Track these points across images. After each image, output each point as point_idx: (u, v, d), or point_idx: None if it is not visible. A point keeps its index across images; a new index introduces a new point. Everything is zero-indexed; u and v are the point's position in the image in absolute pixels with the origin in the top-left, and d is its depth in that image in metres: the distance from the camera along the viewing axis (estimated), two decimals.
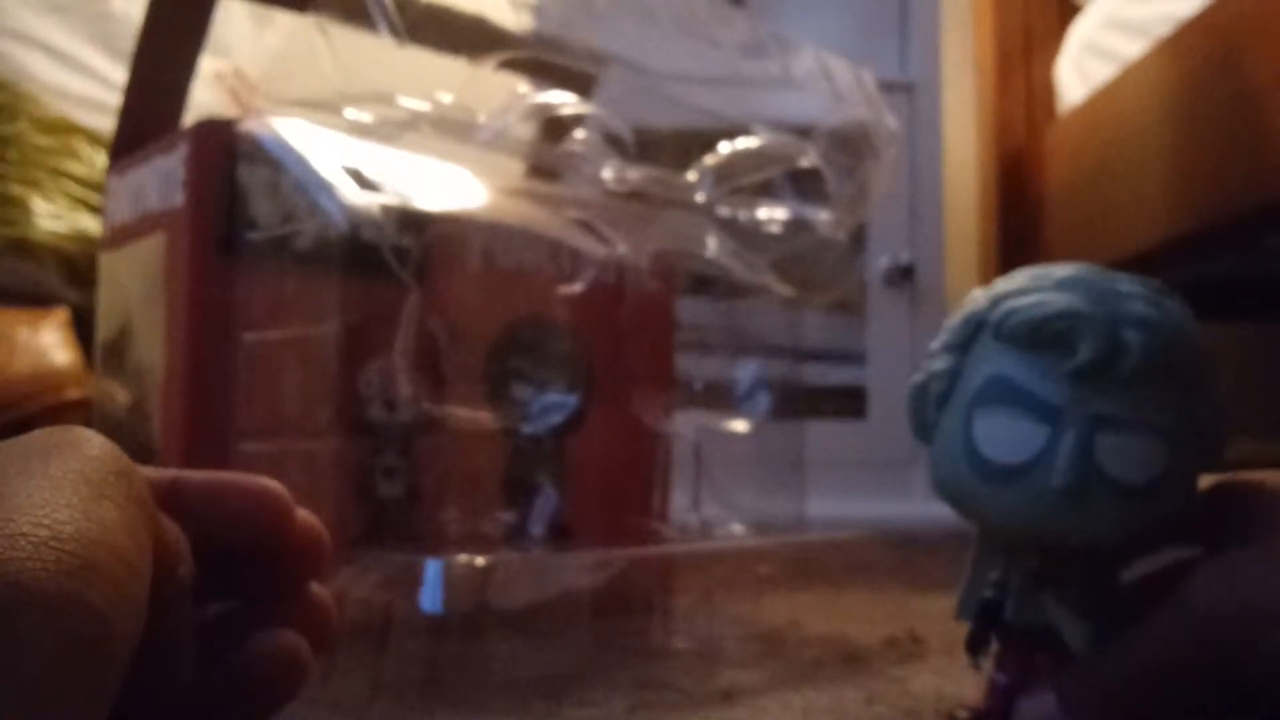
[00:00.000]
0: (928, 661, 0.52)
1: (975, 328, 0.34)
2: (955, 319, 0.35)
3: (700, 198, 0.68)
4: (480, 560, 0.50)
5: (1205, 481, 0.34)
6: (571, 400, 0.61)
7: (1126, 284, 0.33)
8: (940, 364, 0.35)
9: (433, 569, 0.49)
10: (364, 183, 0.52)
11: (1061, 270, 0.34)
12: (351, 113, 0.56)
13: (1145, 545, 0.33)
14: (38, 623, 0.18)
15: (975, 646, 0.36)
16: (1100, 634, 0.32)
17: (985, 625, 0.35)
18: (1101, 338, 0.31)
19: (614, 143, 0.65)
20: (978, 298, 0.35)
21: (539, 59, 0.64)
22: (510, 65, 0.62)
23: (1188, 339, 0.32)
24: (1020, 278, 0.34)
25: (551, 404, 0.60)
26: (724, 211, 0.69)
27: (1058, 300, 0.32)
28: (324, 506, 0.50)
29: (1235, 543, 0.31)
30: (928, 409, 0.35)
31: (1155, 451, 0.31)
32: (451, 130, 0.58)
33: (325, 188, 0.50)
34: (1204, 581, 0.30)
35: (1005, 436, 0.32)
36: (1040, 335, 0.32)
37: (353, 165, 0.52)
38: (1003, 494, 0.32)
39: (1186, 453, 0.31)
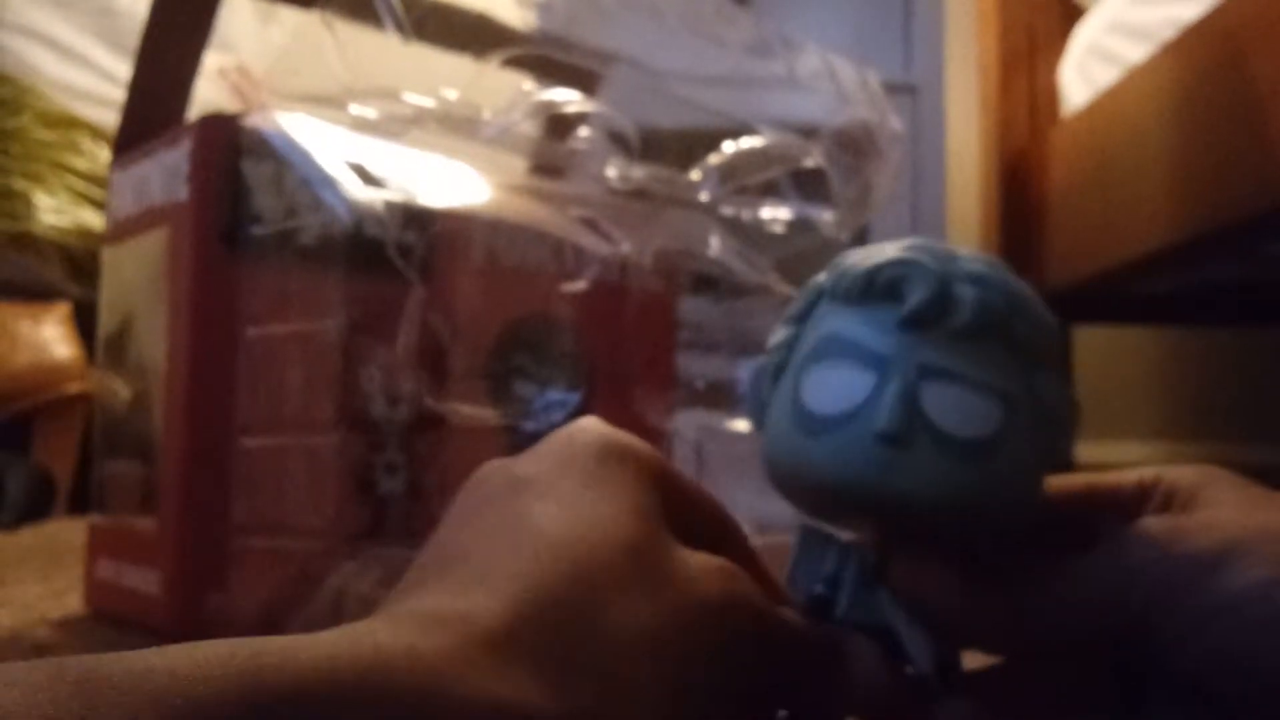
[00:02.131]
0: None
1: (814, 296, 0.32)
2: (798, 294, 0.33)
3: (704, 197, 0.68)
4: None
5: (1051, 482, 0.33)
6: (573, 398, 0.61)
7: (967, 252, 0.31)
8: (778, 337, 0.33)
9: None
10: (368, 179, 0.52)
11: (907, 240, 0.32)
12: (356, 109, 0.56)
13: (978, 523, 0.29)
14: None
15: None
16: (943, 655, 0.29)
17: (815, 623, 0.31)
18: (932, 287, 0.29)
19: (618, 141, 0.65)
20: (821, 274, 0.33)
21: (544, 57, 0.64)
22: (515, 63, 0.62)
23: (1028, 308, 0.30)
24: (863, 249, 0.32)
25: (553, 402, 0.60)
26: (728, 211, 0.69)
27: (891, 253, 0.30)
28: (325, 502, 0.51)
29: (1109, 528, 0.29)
30: (763, 387, 0.33)
31: (987, 410, 0.28)
32: (456, 127, 0.58)
33: (329, 183, 0.50)
34: (1127, 540, 0.28)
35: (831, 387, 0.29)
36: (872, 286, 0.30)
37: (357, 161, 0.52)
38: (825, 444, 0.29)
39: (1024, 424, 0.29)
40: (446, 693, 0.19)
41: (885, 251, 0.30)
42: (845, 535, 0.31)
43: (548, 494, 0.24)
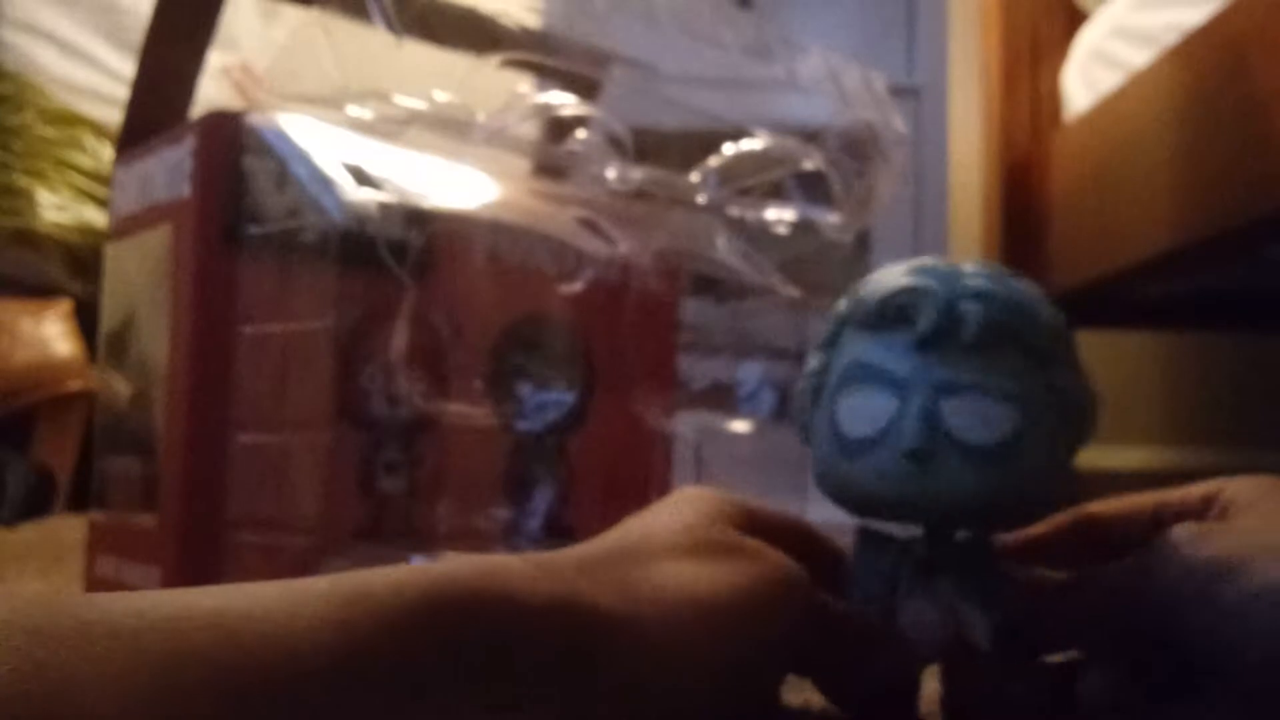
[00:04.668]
0: None
1: (839, 324, 0.36)
2: (825, 321, 0.36)
3: (702, 199, 0.68)
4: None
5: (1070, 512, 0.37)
6: (568, 398, 0.61)
7: (971, 267, 0.34)
8: (811, 364, 0.37)
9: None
10: (364, 179, 0.52)
11: (914, 261, 0.35)
12: (354, 109, 0.56)
13: (1010, 516, 0.34)
14: None
15: None
16: (1000, 627, 0.33)
17: None
18: (939, 308, 0.32)
19: (614, 144, 0.65)
20: (842, 299, 0.36)
21: (545, 60, 0.64)
22: (518, 65, 0.62)
23: (1033, 312, 0.33)
24: (876, 273, 0.36)
25: (548, 401, 0.60)
26: (732, 212, 0.69)
27: (902, 281, 0.34)
28: (321, 499, 0.51)
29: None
30: (804, 409, 0.37)
31: (1003, 414, 0.31)
32: (453, 128, 0.58)
33: (324, 183, 0.50)
34: (1156, 543, 0.31)
35: (861, 412, 0.33)
36: (886, 313, 0.33)
37: (354, 161, 0.52)
38: (860, 466, 0.33)
39: (1043, 419, 0.32)
40: (531, 589, 0.25)
41: (895, 277, 0.34)
42: (899, 532, 0.35)
43: (635, 518, 0.33)
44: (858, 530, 0.36)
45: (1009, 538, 0.37)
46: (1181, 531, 0.31)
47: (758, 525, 0.33)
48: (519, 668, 0.23)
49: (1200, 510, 0.33)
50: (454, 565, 0.24)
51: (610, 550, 0.29)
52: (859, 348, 0.34)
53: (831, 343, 0.36)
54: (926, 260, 0.35)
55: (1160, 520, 0.34)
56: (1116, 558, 0.33)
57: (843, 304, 0.36)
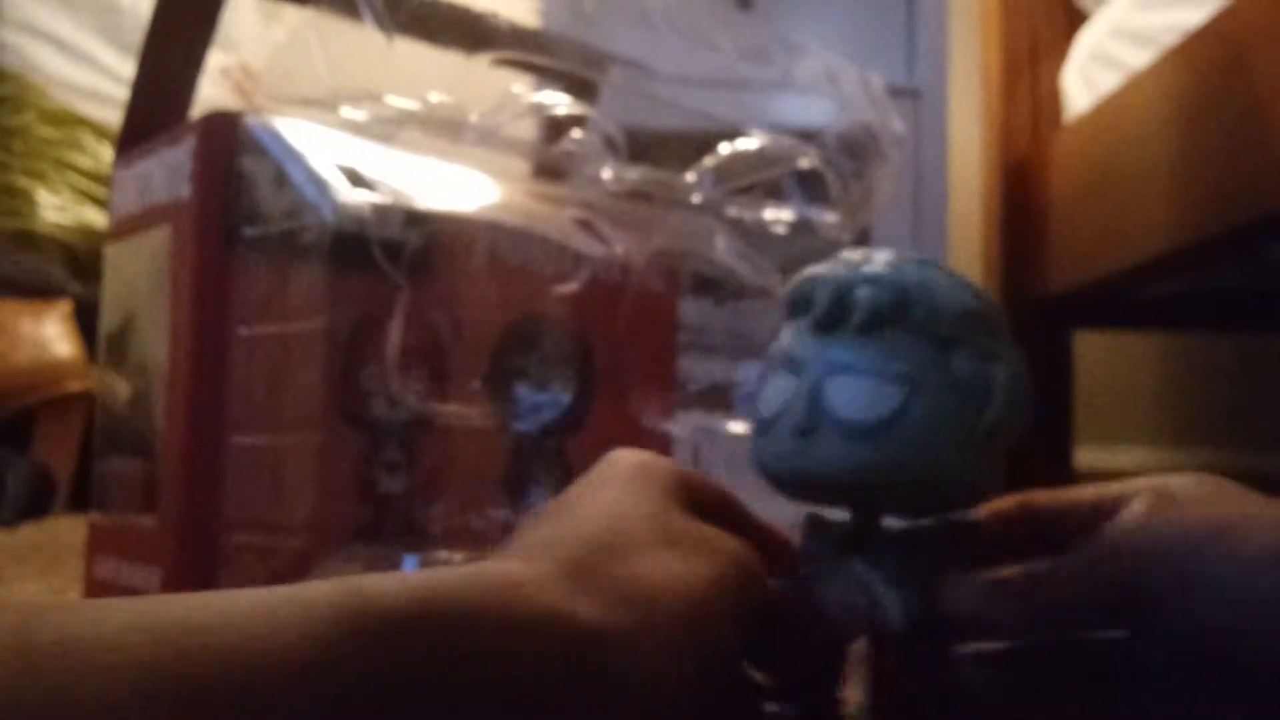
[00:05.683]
0: None
1: (780, 316, 0.38)
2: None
3: (696, 198, 0.68)
4: (459, 556, 0.51)
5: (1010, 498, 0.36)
6: (564, 398, 0.61)
7: (883, 255, 0.36)
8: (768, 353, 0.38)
9: (409, 565, 0.49)
10: (358, 180, 0.52)
11: (843, 253, 0.37)
12: (348, 111, 0.56)
13: (900, 495, 0.34)
14: None
15: None
16: (916, 609, 0.33)
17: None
18: (832, 294, 0.34)
19: (608, 144, 0.65)
20: None
21: (543, 61, 0.64)
22: (513, 65, 0.62)
23: (931, 297, 0.34)
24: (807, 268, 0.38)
25: (543, 402, 0.60)
26: (731, 212, 0.69)
27: (810, 271, 0.36)
28: (317, 499, 0.51)
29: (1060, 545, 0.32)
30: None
31: (886, 394, 0.33)
32: (446, 129, 0.58)
33: (319, 184, 0.51)
34: (1120, 521, 0.30)
35: (770, 394, 0.35)
36: (795, 301, 0.36)
37: (349, 163, 0.52)
38: (765, 442, 0.35)
39: (936, 402, 0.33)
40: (523, 601, 0.24)
41: (810, 269, 0.36)
42: (836, 517, 0.36)
43: (586, 495, 0.32)
44: (804, 517, 0.37)
45: (957, 522, 0.36)
46: (1140, 506, 0.30)
47: (698, 498, 0.33)
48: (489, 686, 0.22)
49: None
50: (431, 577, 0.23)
51: (586, 544, 0.28)
52: (782, 335, 0.36)
53: (775, 333, 0.38)
54: (850, 252, 0.36)
55: (1098, 515, 0.33)
56: (1053, 551, 0.32)
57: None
